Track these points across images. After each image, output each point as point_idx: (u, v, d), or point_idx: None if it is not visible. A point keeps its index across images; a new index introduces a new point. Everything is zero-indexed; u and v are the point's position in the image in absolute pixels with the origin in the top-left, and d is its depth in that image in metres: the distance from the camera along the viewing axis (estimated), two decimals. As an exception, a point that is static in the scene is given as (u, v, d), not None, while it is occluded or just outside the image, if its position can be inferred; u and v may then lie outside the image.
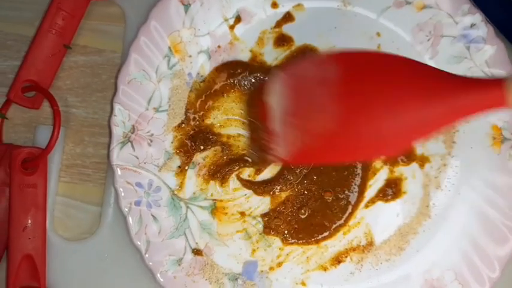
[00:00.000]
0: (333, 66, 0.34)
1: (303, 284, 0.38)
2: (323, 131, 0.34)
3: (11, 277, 0.36)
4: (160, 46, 0.38)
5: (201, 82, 0.39)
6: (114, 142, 0.37)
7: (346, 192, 0.39)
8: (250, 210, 0.38)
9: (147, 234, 0.37)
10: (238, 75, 0.39)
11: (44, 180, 0.38)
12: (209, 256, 0.38)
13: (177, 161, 0.38)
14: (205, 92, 0.39)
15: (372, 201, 0.39)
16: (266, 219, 0.38)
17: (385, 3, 0.39)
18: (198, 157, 0.39)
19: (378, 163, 0.39)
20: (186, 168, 0.39)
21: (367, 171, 0.39)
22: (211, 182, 0.39)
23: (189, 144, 0.39)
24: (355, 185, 0.39)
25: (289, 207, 0.38)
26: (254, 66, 0.39)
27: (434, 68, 0.34)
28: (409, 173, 0.39)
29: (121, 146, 0.38)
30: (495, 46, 0.38)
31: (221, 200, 0.38)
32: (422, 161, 0.39)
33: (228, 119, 0.39)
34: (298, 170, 0.39)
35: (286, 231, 0.38)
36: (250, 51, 0.39)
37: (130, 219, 0.37)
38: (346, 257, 0.38)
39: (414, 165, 0.39)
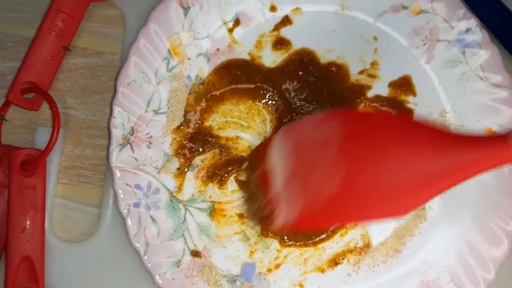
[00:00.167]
0: (335, 126, 0.34)
1: (301, 285, 0.38)
2: (327, 193, 0.33)
3: (9, 279, 0.36)
4: (160, 49, 0.38)
5: (200, 84, 0.39)
6: (113, 144, 0.37)
7: (344, 194, 0.39)
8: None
9: (145, 236, 0.37)
10: (238, 81, 0.39)
11: (43, 182, 0.38)
12: (207, 258, 0.38)
13: (175, 163, 0.39)
14: (205, 96, 0.39)
15: (369, 203, 0.39)
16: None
17: (382, 7, 0.40)
18: (197, 159, 0.39)
19: (374, 166, 0.39)
20: (185, 170, 0.39)
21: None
22: (210, 184, 0.39)
23: (188, 146, 0.39)
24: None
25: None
26: (252, 68, 0.39)
27: (438, 128, 0.34)
28: (406, 176, 0.39)
29: (120, 148, 0.38)
30: (490, 51, 0.39)
31: (219, 202, 0.39)
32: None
33: (227, 121, 0.39)
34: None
35: (284, 233, 0.38)
36: (249, 54, 0.40)
37: (129, 221, 0.37)
38: (343, 258, 0.39)
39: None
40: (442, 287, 0.38)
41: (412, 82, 0.40)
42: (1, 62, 0.40)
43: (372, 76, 0.40)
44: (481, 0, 0.40)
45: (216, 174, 0.39)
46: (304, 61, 0.40)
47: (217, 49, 0.40)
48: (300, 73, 0.40)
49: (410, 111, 0.40)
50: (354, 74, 0.40)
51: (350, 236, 0.39)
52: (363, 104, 0.39)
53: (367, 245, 0.39)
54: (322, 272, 0.38)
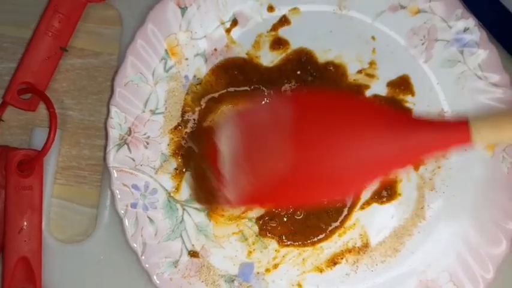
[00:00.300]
0: (286, 108, 0.34)
1: (299, 285, 0.38)
2: (275, 175, 0.33)
3: (6, 279, 0.36)
4: (157, 49, 0.38)
5: (197, 85, 0.39)
6: (110, 144, 0.37)
7: (342, 194, 0.39)
8: (246, 212, 0.39)
9: (143, 237, 0.37)
10: (236, 81, 0.39)
11: (40, 183, 0.38)
12: (205, 258, 0.38)
13: (173, 163, 0.39)
14: (203, 96, 0.39)
15: (367, 203, 0.39)
16: (261, 221, 0.38)
17: (380, 7, 0.40)
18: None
19: (373, 165, 0.39)
20: (183, 170, 0.39)
21: (363, 174, 0.39)
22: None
23: (186, 147, 0.39)
24: (351, 187, 0.39)
25: (284, 208, 0.38)
26: (250, 68, 0.39)
27: (397, 110, 0.35)
28: (404, 175, 0.39)
29: (117, 148, 0.38)
30: (488, 50, 0.39)
31: (217, 202, 0.39)
32: (417, 163, 0.39)
33: (225, 121, 0.39)
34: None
35: (282, 233, 0.38)
36: (247, 54, 0.40)
37: (126, 222, 0.37)
38: (341, 258, 0.39)
39: (409, 168, 0.39)
40: (441, 287, 0.38)
41: (411, 81, 0.40)
42: (-2, 62, 0.40)
43: (370, 76, 0.40)
44: (479, 0, 0.40)
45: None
46: (302, 61, 0.40)
47: (215, 49, 0.40)
48: (298, 73, 0.40)
49: (408, 111, 0.40)
50: (352, 73, 0.40)
51: (348, 235, 0.39)
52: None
53: (366, 245, 0.39)
54: (321, 271, 0.38)
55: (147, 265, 0.37)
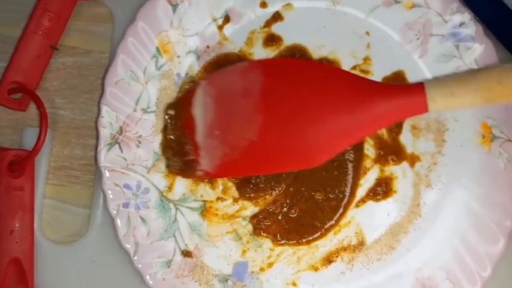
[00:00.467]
0: (256, 76, 0.34)
1: (294, 284, 0.38)
2: (245, 143, 0.34)
3: (-2, 281, 0.36)
4: (148, 46, 0.38)
5: (189, 82, 0.39)
6: (101, 144, 0.37)
7: (337, 192, 0.39)
8: (240, 211, 0.38)
9: (135, 237, 0.37)
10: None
11: (31, 183, 0.37)
12: (199, 258, 0.38)
13: (166, 162, 0.38)
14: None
15: (363, 200, 0.39)
16: (255, 220, 0.38)
17: (374, 2, 0.39)
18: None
19: (368, 162, 0.39)
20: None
21: (358, 171, 0.39)
22: (201, 184, 0.38)
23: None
24: (346, 184, 0.39)
25: (278, 207, 0.38)
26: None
27: (357, 75, 0.35)
28: (400, 172, 0.39)
29: (108, 147, 0.37)
30: (484, 45, 0.38)
31: (211, 201, 0.38)
32: (413, 159, 0.39)
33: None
34: (285, 175, 0.38)
35: (276, 232, 0.38)
36: (240, 51, 0.39)
37: (118, 222, 0.37)
38: (337, 257, 0.38)
39: (404, 164, 0.39)
40: (437, 284, 0.38)
41: (406, 77, 0.39)
42: (-13, 62, 0.40)
43: (365, 71, 0.39)
44: (475, -6, 0.39)
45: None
46: (295, 57, 0.39)
47: (207, 46, 0.39)
48: (292, 69, 0.39)
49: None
50: (347, 69, 0.39)
51: (344, 233, 0.38)
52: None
53: (361, 243, 0.38)
54: (316, 270, 0.38)
55: (139, 265, 0.36)
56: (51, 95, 0.40)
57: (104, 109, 0.37)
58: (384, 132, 0.38)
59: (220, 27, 0.39)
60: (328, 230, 0.38)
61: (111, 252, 0.38)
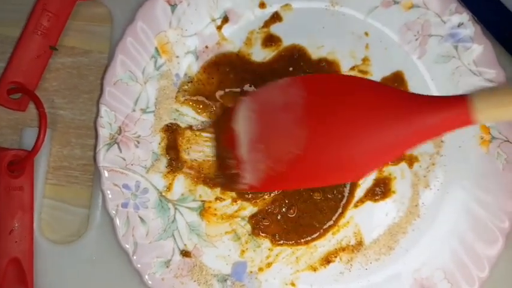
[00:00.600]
0: (299, 90, 0.34)
1: (293, 284, 0.38)
2: (290, 156, 0.33)
3: (-3, 281, 0.36)
4: (147, 47, 0.38)
5: (188, 82, 0.39)
6: (100, 144, 0.37)
7: (335, 192, 0.39)
8: (239, 211, 0.38)
9: (134, 236, 0.37)
10: (227, 80, 0.39)
11: (31, 183, 0.37)
12: (198, 257, 0.38)
13: (164, 162, 0.38)
14: (194, 95, 0.39)
15: (361, 201, 0.39)
16: (254, 221, 0.38)
17: (373, 3, 0.39)
18: (186, 158, 0.38)
19: (366, 163, 0.39)
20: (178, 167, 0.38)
21: (357, 171, 0.39)
22: (200, 184, 0.38)
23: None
24: (345, 185, 0.39)
25: (277, 207, 0.38)
26: (242, 64, 0.39)
27: (400, 89, 0.35)
28: (398, 173, 0.39)
29: (107, 147, 0.37)
30: (482, 45, 0.38)
31: (210, 201, 0.38)
32: (411, 160, 0.39)
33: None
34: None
35: (275, 232, 0.38)
36: (238, 51, 0.39)
37: (117, 221, 0.37)
38: (335, 257, 0.38)
39: (403, 165, 0.39)
40: (435, 285, 0.38)
41: (404, 78, 0.39)
42: (-13, 62, 0.40)
43: (364, 72, 0.39)
44: (473, -6, 0.39)
45: (206, 177, 0.38)
46: (294, 57, 0.39)
47: (206, 47, 0.39)
48: (291, 69, 0.39)
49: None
50: (345, 70, 0.39)
51: (342, 233, 0.38)
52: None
53: (360, 243, 0.38)
54: (314, 270, 0.38)
55: (138, 265, 0.37)
56: (50, 95, 0.40)
57: (103, 109, 0.37)
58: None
59: (219, 28, 0.39)
60: (326, 230, 0.38)
61: (110, 252, 0.38)
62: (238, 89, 0.39)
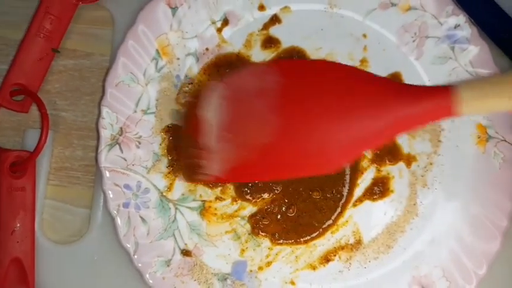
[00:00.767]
0: (273, 76, 0.33)
1: (292, 283, 0.38)
2: (261, 144, 0.32)
3: (-1, 281, 0.36)
4: (148, 49, 0.38)
5: (189, 84, 0.39)
6: (102, 144, 0.37)
7: (335, 191, 0.39)
8: (238, 210, 0.39)
9: (135, 236, 0.37)
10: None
11: (33, 184, 0.38)
12: (198, 257, 0.38)
13: (165, 163, 0.39)
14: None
15: (360, 200, 0.39)
16: (253, 220, 0.38)
17: (371, 5, 0.40)
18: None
19: (365, 162, 0.39)
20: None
21: (356, 171, 0.39)
22: (200, 184, 0.39)
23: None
24: (344, 184, 0.39)
25: (276, 206, 0.39)
26: (241, 66, 0.39)
27: (381, 77, 0.33)
28: (396, 172, 0.39)
29: (109, 148, 0.38)
30: (479, 46, 0.39)
31: (210, 201, 0.39)
32: (409, 159, 0.39)
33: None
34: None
35: (275, 231, 0.38)
36: (238, 53, 0.40)
37: (118, 221, 0.37)
38: (334, 255, 0.39)
39: (401, 164, 0.39)
40: (434, 282, 0.38)
41: (402, 79, 0.40)
42: (-10, 64, 0.40)
43: (362, 73, 0.40)
44: (470, -4, 0.40)
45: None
46: (293, 59, 0.40)
47: (206, 49, 0.40)
48: (289, 71, 0.40)
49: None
50: (344, 71, 0.40)
51: (341, 232, 0.39)
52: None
53: (359, 242, 0.39)
54: (314, 269, 0.38)
55: (139, 264, 0.37)
56: (52, 97, 0.40)
57: (105, 110, 0.37)
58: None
59: (219, 30, 0.40)
60: (326, 229, 0.39)
61: (112, 252, 0.38)
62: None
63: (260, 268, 0.38)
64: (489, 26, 0.40)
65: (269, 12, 0.40)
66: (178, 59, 0.39)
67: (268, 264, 0.38)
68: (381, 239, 0.39)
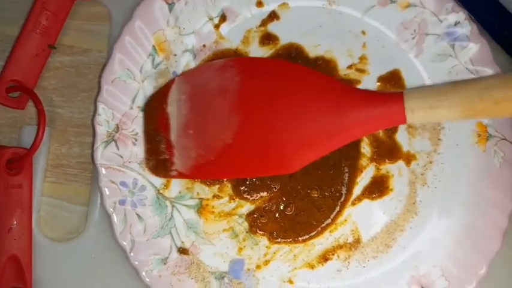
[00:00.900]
0: (233, 75, 0.34)
1: (290, 282, 0.38)
2: (220, 144, 0.33)
3: (-5, 278, 0.36)
4: (145, 45, 0.38)
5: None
6: (98, 141, 0.37)
7: (333, 190, 0.39)
8: (236, 209, 0.38)
9: (132, 234, 0.37)
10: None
11: (29, 181, 0.38)
12: (195, 255, 0.38)
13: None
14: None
15: (359, 198, 0.39)
16: (251, 218, 0.38)
17: (370, 2, 0.39)
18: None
19: (364, 161, 0.39)
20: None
21: (355, 169, 0.39)
22: (197, 182, 0.38)
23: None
24: (343, 183, 0.39)
25: (274, 205, 0.38)
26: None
27: (339, 81, 0.34)
28: (396, 171, 0.39)
29: (105, 145, 0.37)
30: (479, 44, 0.39)
31: (207, 199, 0.38)
32: (409, 158, 0.39)
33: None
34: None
35: (272, 230, 0.38)
36: (236, 50, 0.39)
37: (114, 219, 0.37)
38: (333, 254, 0.38)
39: (400, 163, 0.39)
40: (433, 282, 0.38)
41: (401, 76, 0.39)
42: (-14, 61, 0.40)
43: (361, 71, 0.39)
44: (470, -7, 0.39)
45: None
46: (291, 56, 0.40)
47: (204, 45, 0.39)
48: (288, 68, 0.39)
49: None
50: (342, 68, 0.39)
51: (340, 231, 0.38)
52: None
53: (357, 241, 0.38)
54: (312, 268, 0.38)
55: (136, 262, 0.37)
56: (49, 94, 0.40)
57: (101, 107, 0.37)
58: (379, 130, 0.39)
59: (217, 26, 0.40)
60: (324, 228, 0.38)
61: (109, 250, 0.38)
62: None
63: (258, 267, 0.38)
64: (489, 23, 0.39)
65: (267, 9, 0.40)
66: (175, 55, 0.39)
67: (266, 262, 0.38)
68: (380, 238, 0.38)
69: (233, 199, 0.38)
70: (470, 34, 0.39)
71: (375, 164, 0.39)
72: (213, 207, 0.38)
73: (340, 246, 0.38)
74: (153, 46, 0.38)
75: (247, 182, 0.38)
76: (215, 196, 0.38)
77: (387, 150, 0.39)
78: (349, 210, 0.39)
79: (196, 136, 0.34)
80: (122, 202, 0.37)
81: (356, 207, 0.39)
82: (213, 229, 0.38)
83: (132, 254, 0.37)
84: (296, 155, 0.33)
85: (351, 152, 0.39)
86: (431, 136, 0.39)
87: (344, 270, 0.38)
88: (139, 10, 0.38)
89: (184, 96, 0.34)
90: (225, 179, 0.38)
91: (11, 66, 0.38)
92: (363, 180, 0.39)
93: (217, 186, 0.38)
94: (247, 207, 0.38)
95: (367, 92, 0.33)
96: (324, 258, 0.38)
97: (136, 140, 0.38)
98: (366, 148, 0.39)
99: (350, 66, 0.39)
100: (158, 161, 0.36)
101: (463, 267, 0.37)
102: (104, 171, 0.37)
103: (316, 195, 0.38)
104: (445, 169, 0.39)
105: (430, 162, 0.39)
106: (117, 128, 0.38)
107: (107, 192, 0.37)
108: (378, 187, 0.39)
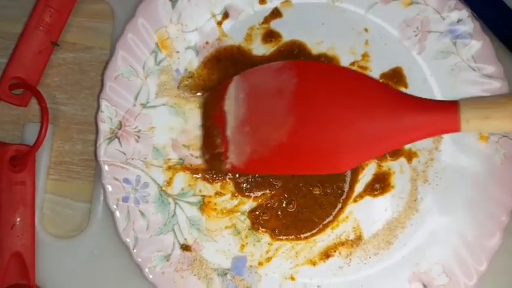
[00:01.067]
0: (291, 76, 0.34)
1: (292, 278, 0.38)
2: (275, 143, 0.34)
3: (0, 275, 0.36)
4: (148, 42, 0.38)
5: (188, 78, 0.39)
6: (101, 138, 0.37)
7: (335, 187, 0.39)
8: (238, 206, 0.39)
9: (134, 231, 0.37)
10: (227, 76, 0.39)
11: (32, 178, 0.38)
12: (198, 252, 0.38)
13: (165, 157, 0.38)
14: (194, 90, 0.39)
15: (360, 195, 0.39)
16: (253, 215, 0.38)
17: (373, -1, 0.40)
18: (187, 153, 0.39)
19: (366, 158, 0.39)
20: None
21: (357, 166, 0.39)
22: (200, 179, 0.38)
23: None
24: (345, 180, 0.39)
25: (276, 202, 0.38)
26: (242, 59, 0.39)
27: (392, 87, 0.35)
28: (397, 168, 0.39)
29: (108, 142, 0.38)
30: (481, 41, 0.39)
31: (209, 196, 0.38)
32: (410, 155, 0.39)
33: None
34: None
35: (275, 227, 0.38)
36: (238, 47, 0.39)
37: (117, 215, 0.37)
38: (334, 251, 0.38)
39: (402, 160, 0.39)
40: (434, 279, 0.38)
41: (404, 73, 0.40)
42: (-11, 58, 0.40)
43: (363, 68, 0.40)
44: (472, -10, 0.39)
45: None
46: (294, 53, 0.40)
47: (206, 42, 0.39)
48: (290, 65, 0.39)
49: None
50: (345, 65, 0.39)
51: (342, 228, 0.39)
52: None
53: (359, 238, 0.39)
54: (314, 264, 0.38)
55: (139, 259, 0.37)
56: (52, 91, 0.40)
57: (104, 104, 0.37)
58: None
59: (220, 23, 0.40)
60: (326, 225, 0.39)
61: (112, 247, 0.38)
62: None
63: (260, 263, 0.38)
64: (492, 20, 0.39)
65: (270, 6, 0.40)
66: (178, 52, 0.39)
67: (268, 259, 0.38)
68: (382, 234, 0.39)
69: (235, 196, 0.38)
70: (472, 31, 0.39)
71: (376, 161, 0.39)
72: (215, 204, 0.39)
73: (342, 243, 0.39)
74: (156, 43, 0.38)
75: (249, 179, 0.38)
76: (217, 193, 0.38)
77: (389, 148, 0.39)
78: (350, 207, 0.39)
79: (252, 133, 0.35)
80: (125, 199, 0.37)
81: (358, 204, 0.39)
82: (215, 226, 0.38)
83: (135, 250, 0.37)
84: (347, 157, 0.34)
85: (353, 149, 0.39)
86: (433, 133, 0.39)
87: (346, 266, 0.38)
88: (142, 7, 0.38)
89: (242, 95, 0.35)
90: (227, 177, 0.38)
91: (14, 64, 0.38)
92: (365, 177, 0.39)
93: (219, 183, 0.38)
94: (249, 204, 0.39)
95: (422, 100, 0.34)
96: (326, 255, 0.38)
97: (139, 137, 0.38)
98: (368, 145, 0.39)
99: (352, 63, 0.40)
100: (213, 155, 0.37)
101: (463, 264, 0.38)
102: (107, 168, 0.37)
103: (318, 192, 0.39)
104: (447, 166, 0.39)
105: (432, 160, 0.39)
106: (120, 125, 0.38)
107: (110, 189, 0.37)
108: (380, 184, 0.39)
